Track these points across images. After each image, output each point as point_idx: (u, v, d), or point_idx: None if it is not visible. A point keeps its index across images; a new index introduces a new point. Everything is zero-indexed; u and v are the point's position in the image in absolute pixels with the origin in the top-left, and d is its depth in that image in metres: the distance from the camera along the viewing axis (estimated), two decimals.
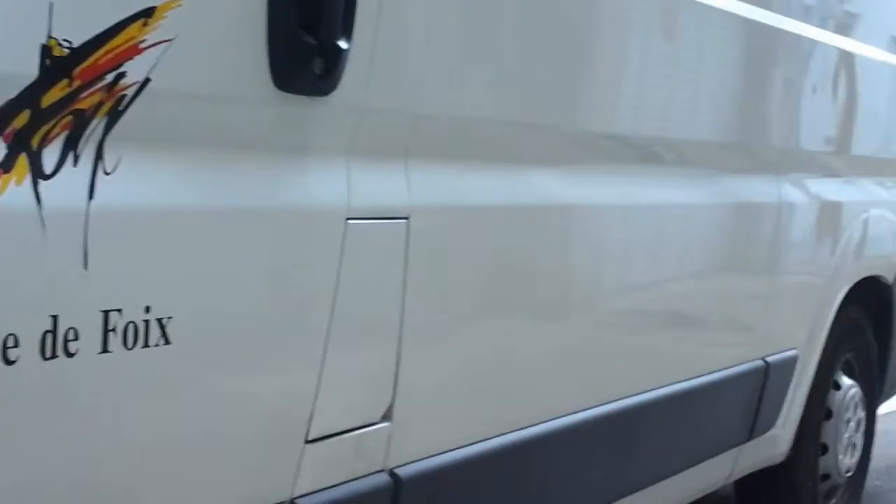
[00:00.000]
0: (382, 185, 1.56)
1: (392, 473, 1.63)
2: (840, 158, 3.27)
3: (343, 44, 1.40)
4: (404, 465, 1.65)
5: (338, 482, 1.54)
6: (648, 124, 2.31)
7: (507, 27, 1.80)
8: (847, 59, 3.16)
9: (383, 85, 1.52)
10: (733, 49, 2.60)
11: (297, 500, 1.47)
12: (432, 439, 1.73)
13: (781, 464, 3.04)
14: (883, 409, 4.17)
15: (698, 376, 2.45)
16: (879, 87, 3.49)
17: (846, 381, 3.31)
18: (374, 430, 1.59)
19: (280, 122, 1.40)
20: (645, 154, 2.33)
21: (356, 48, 1.44)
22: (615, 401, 2.17)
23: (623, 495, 2.28)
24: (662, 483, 2.42)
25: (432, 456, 1.71)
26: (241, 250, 1.34)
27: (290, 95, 1.37)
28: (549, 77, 1.93)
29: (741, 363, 2.65)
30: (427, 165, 1.65)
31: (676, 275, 2.43)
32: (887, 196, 3.56)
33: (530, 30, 1.86)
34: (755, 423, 2.77)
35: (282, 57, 1.34)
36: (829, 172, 3.18)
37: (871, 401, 3.54)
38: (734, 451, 2.74)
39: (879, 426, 4.01)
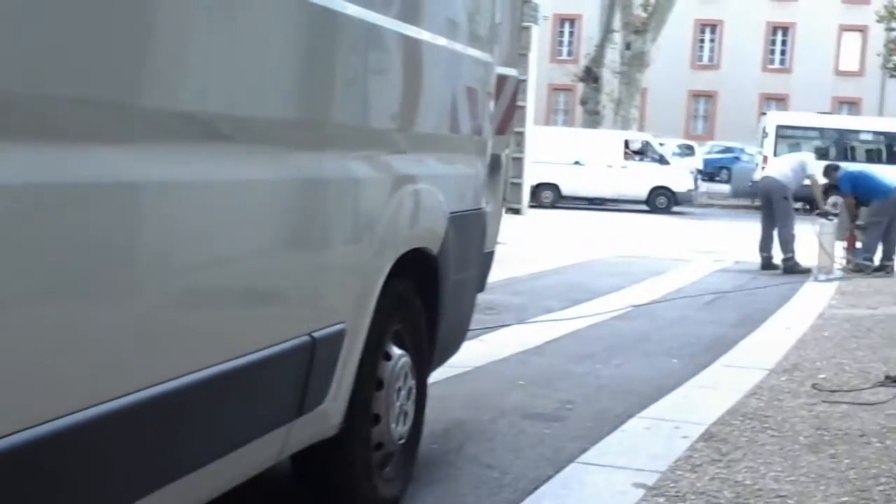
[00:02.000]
0: None
1: None
2: (399, 136, 3.36)
3: None
4: None
5: None
6: (213, 101, 2.26)
7: None
8: (411, 43, 3.27)
9: None
10: (301, 31, 2.63)
11: None
12: None
13: (335, 436, 3.07)
14: (437, 376, 4.37)
15: (240, 356, 2.41)
16: (439, 70, 3.63)
17: (396, 351, 3.40)
18: None
19: None
20: (207, 131, 2.27)
21: None
22: (150, 387, 2.08)
23: (162, 485, 2.20)
24: (206, 468, 2.36)
25: None
26: None
27: None
28: (99, 48, 1.84)
29: (286, 340, 2.63)
30: None
31: (224, 253, 2.37)
32: (442, 171, 3.70)
33: None
34: (304, 399, 2.78)
35: None
36: (387, 149, 3.26)
37: (422, 369, 3.67)
38: (283, 428, 2.73)
39: (435, 392, 4.19)
